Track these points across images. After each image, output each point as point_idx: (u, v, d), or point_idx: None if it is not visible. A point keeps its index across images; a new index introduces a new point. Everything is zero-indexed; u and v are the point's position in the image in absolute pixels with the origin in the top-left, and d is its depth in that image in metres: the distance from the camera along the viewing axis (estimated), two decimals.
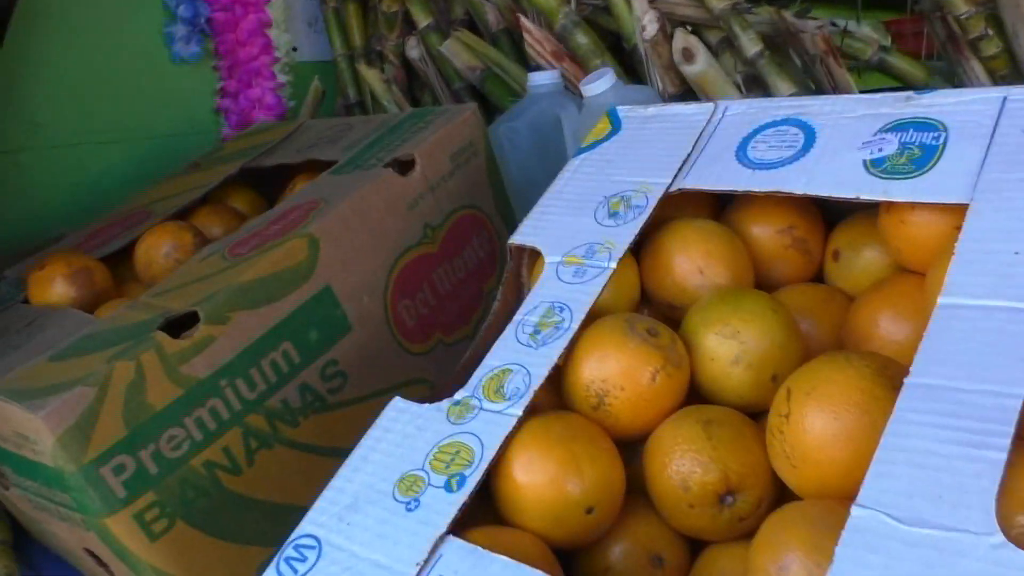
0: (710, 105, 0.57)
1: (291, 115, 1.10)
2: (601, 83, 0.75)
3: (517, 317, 0.50)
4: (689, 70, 0.72)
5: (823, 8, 1.04)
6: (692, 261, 0.52)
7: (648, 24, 0.74)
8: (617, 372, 0.46)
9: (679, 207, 0.56)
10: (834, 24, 1.00)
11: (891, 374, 0.39)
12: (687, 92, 0.77)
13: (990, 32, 0.94)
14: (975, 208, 0.42)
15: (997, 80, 0.96)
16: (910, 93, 0.50)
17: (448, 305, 0.70)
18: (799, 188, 0.49)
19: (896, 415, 0.36)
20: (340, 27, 1.15)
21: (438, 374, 0.70)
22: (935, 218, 0.46)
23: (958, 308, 0.39)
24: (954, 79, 1.04)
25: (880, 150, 0.48)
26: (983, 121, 0.46)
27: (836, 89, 0.94)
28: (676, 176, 0.54)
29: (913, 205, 0.46)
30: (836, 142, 0.50)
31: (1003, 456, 0.32)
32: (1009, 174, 0.43)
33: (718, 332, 0.47)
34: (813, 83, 0.94)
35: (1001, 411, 0.34)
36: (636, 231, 0.51)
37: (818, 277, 0.56)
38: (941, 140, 0.46)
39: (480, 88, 1.04)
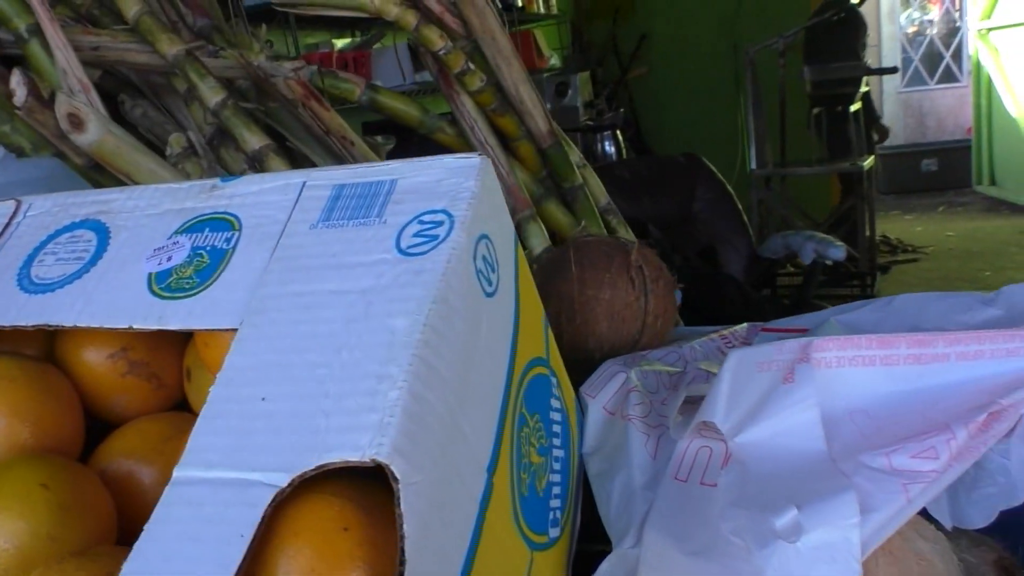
0: (11, 203, 0.45)
1: None
2: None
3: None
4: (82, 141, 0.60)
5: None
6: None
7: (17, 88, 0.60)
8: None
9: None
10: (320, 65, 0.93)
11: None
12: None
13: (472, 66, 0.92)
14: (240, 336, 0.34)
15: (488, 114, 0.94)
16: (216, 181, 0.41)
17: None
18: (70, 318, 0.38)
19: None
20: None
21: None
22: (225, 344, 0.37)
23: (188, 485, 0.30)
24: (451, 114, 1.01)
25: (169, 259, 0.38)
26: (278, 215, 0.38)
27: (328, 133, 0.87)
28: None
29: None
30: (128, 250, 0.39)
31: None
32: (284, 287, 0.35)
33: None
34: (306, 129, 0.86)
35: None
36: None
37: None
38: (232, 242, 0.38)
39: None
